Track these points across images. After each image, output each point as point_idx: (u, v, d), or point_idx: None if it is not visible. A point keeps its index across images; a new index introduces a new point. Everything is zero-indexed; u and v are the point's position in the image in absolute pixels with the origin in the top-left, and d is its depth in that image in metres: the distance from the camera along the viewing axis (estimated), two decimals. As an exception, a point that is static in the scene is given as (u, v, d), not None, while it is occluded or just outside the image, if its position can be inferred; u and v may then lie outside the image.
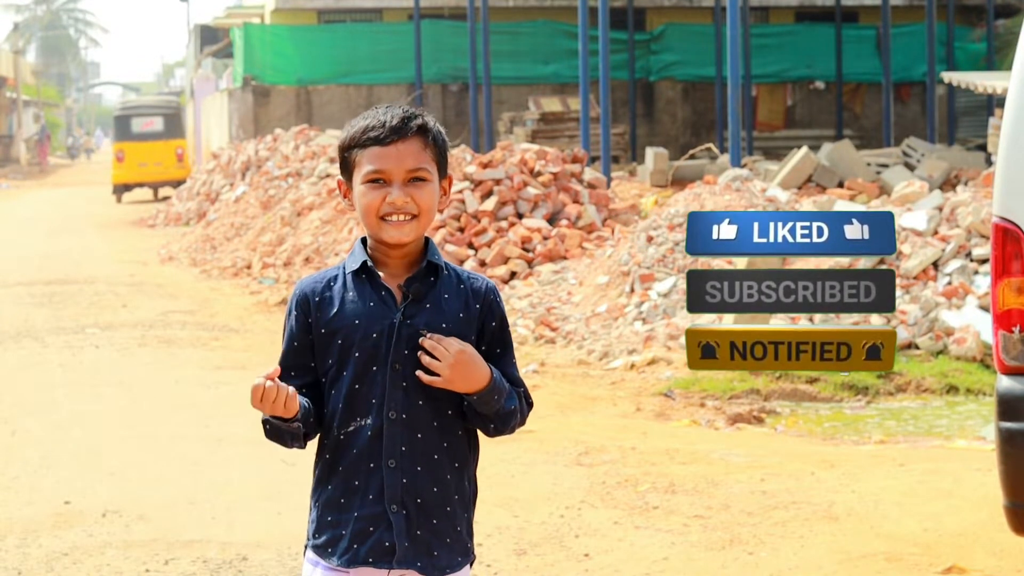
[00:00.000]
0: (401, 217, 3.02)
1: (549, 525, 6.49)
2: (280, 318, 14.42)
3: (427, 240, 3.11)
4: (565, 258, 14.84)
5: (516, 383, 3.13)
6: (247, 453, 7.99)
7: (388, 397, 3.01)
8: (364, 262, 3.06)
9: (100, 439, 8.69)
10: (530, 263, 14.86)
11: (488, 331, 3.09)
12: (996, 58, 29.09)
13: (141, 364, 11.64)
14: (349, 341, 3.02)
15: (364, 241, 3.10)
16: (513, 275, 14.67)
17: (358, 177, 3.04)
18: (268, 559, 6.05)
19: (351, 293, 3.05)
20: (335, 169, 20.04)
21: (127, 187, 35.63)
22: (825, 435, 8.98)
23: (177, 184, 33.86)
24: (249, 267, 18.65)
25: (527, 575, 5.84)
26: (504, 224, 15.51)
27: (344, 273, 3.08)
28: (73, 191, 41.09)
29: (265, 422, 3.05)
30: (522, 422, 3.16)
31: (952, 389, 10.06)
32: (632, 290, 12.82)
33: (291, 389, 2.95)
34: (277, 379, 2.95)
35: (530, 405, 3.17)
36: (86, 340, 12.91)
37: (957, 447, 8.43)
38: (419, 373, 3.00)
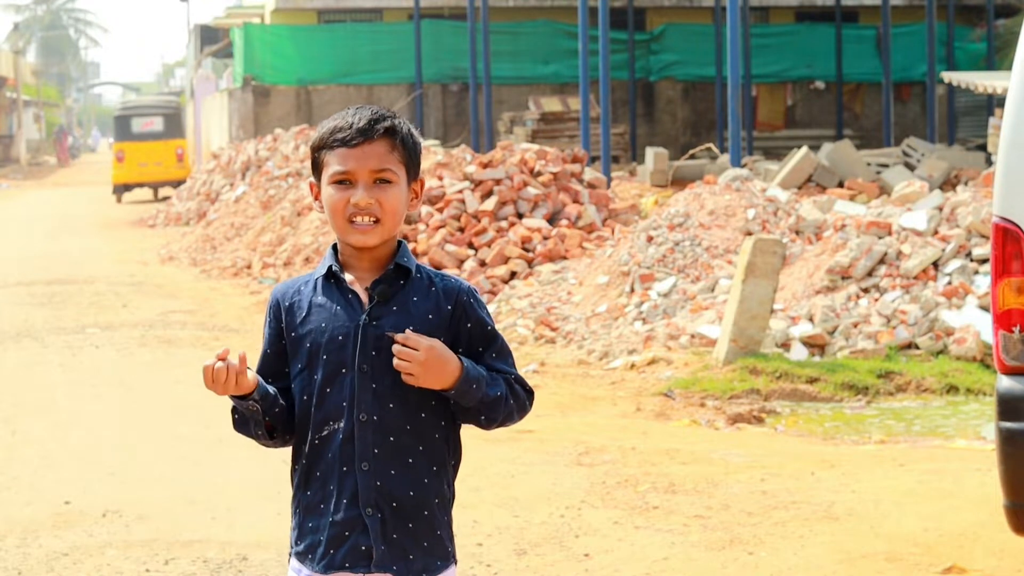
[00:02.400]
0: (366, 219, 2.99)
1: (549, 525, 6.49)
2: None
3: (400, 243, 3.09)
4: (565, 258, 14.84)
5: (505, 373, 3.08)
6: (247, 453, 7.99)
7: (358, 400, 2.99)
8: (330, 267, 3.05)
9: (100, 439, 8.70)
10: (530, 263, 14.85)
11: (465, 333, 3.05)
12: (996, 58, 29.10)
13: (141, 364, 11.64)
14: (316, 345, 3.02)
15: (336, 247, 3.09)
16: (513, 275, 14.67)
17: (325, 178, 3.03)
18: (268, 559, 6.06)
19: (320, 297, 3.05)
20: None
21: (127, 187, 35.65)
22: (825, 435, 8.97)
23: (177, 184, 33.86)
24: (249, 267, 18.65)
25: (527, 575, 5.84)
26: (504, 224, 15.50)
27: (314, 278, 3.09)
28: (73, 191, 41.10)
29: (233, 411, 3.08)
30: (522, 409, 3.11)
31: (952, 389, 10.05)
32: (632, 290, 12.82)
33: (241, 368, 2.97)
34: (228, 359, 2.96)
35: (529, 392, 3.13)
36: (86, 340, 12.91)
37: (957, 447, 8.43)
38: (403, 377, 2.98)
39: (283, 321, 3.08)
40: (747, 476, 7.34)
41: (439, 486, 3.05)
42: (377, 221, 3.00)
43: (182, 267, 20.08)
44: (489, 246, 15.09)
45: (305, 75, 30.28)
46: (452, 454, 3.10)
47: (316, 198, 3.09)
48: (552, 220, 15.87)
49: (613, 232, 15.28)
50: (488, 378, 3.02)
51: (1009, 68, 8.62)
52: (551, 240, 15.03)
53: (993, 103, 24.67)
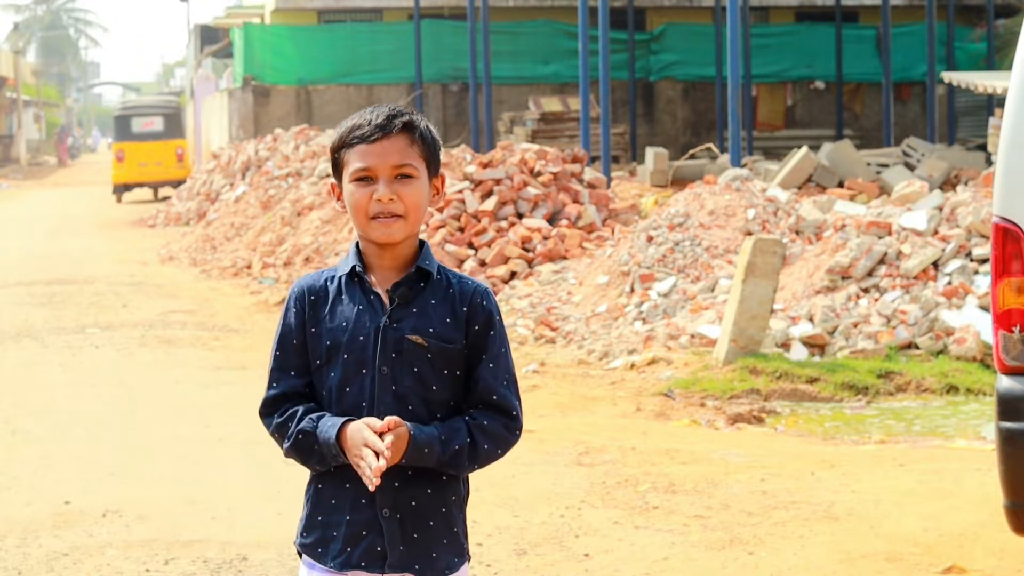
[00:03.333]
0: (388, 215, 3.01)
1: (549, 525, 6.49)
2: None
3: (422, 244, 3.10)
4: (565, 258, 14.84)
5: (487, 397, 3.04)
6: (247, 453, 8.00)
7: (377, 401, 3.00)
8: (354, 267, 3.06)
9: (100, 439, 8.70)
10: (530, 263, 14.85)
11: (471, 334, 3.05)
12: (996, 58, 29.10)
13: (141, 364, 11.64)
14: (337, 344, 3.03)
15: (358, 246, 3.10)
16: (513, 275, 14.67)
17: (347, 176, 3.04)
18: (268, 559, 6.05)
19: (343, 296, 3.06)
20: (335, 169, 20.04)
21: (127, 187, 35.65)
22: (825, 435, 8.97)
23: (177, 184, 33.86)
24: (249, 267, 18.65)
25: (527, 575, 5.84)
26: (504, 224, 15.50)
27: (338, 276, 3.09)
28: (73, 191, 41.10)
29: (299, 432, 3.02)
30: (504, 444, 3.06)
31: (952, 389, 10.05)
32: (632, 290, 12.82)
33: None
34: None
35: (512, 419, 3.06)
36: (86, 340, 12.91)
37: (957, 447, 8.43)
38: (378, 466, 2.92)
39: (306, 313, 3.07)
40: (747, 476, 7.34)
41: (455, 484, 3.07)
42: (400, 217, 3.01)
43: (182, 267, 20.08)
44: (489, 246, 15.09)
45: (305, 75, 30.28)
46: None
47: (338, 198, 3.10)
48: (552, 220, 15.87)
49: (613, 232, 15.28)
50: (441, 434, 2.98)
51: (1009, 68, 8.62)
52: (551, 240, 15.04)
53: (993, 103, 24.67)
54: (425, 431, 2.97)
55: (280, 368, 3.09)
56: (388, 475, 2.97)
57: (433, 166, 3.08)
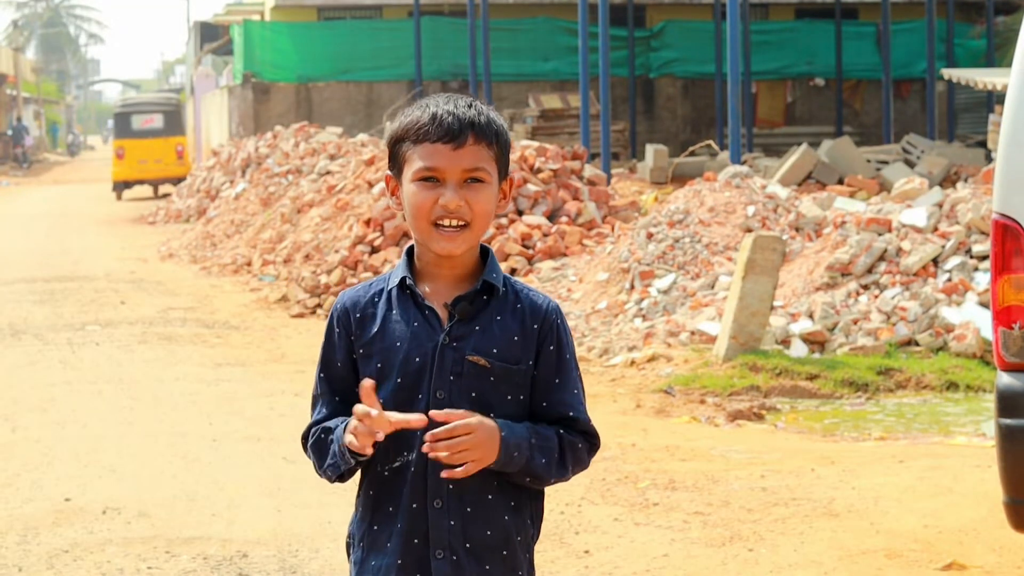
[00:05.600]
0: (453, 223, 2.71)
1: (549, 522, 6.49)
2: (280, 315, 14.42)
3: (487, 252, 2.81)
4: (565, 255, 14.84)
5: (565, 419, 2.84)
6: (247, 450, 8.00)
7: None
8: (403, 278, 2.77)
9: (100, 436, 8.70)
10: (530, 260, 14.86)
11: (544, 354, 2.79)
12: (996, 55, 29.09)
13: (141, 361, 11.65)
14: (389, 365, 2.74)
15: (411, 252, 2.80)
16: (513, 272, 14.67)
17: (408, 174, 2.74)
18: (268, 556, 6.06)
19: (394, 311, 2.76)
20: (335, 166, 20.03)
21: (127, 184, 35.64)
22: (825, 432, 8.98)
23: (177, 181, 33.85)
24: (249, 264, 18.65)
25: (527, 572, 5.84)
26: (504, 221, 15.51)
27: (387, 289, 2.79)
28: (73, 188, 41.09)
29: (322, 429, 2.79)
30: (579, 463, 2.85)
31: (952, 386, 10.05)
32: (632, 287, 12.82)
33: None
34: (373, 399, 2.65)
35: (592, 436, 2.88)
36: (86, 337, 12.92)
37: (957, 443, 8.44)
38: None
39: (353, 333, 2.78)
40: (747, 473, 7.35)
41: (520, 523, 2.84)
42: (465, 225, 2.73)
43: (182, 264, 20.09)
44: (489, 243, 15.10)
45: (305, 72, 30.28)
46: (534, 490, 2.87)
47: (393, 193, 2.81)
48: (552, 217, 15.87)
49: (613, 229, 15.28)
50: (532, 436, 2.76)
51: (1009, 65, 8.63)
52: (551, 237, 15.04)
53: (993, 100, 24.67)
54: (516, 431, 2.72)
55: (324, 393, 2.82)
56: (444, 512, 2.75)
57: (504, 169, 2.79)
